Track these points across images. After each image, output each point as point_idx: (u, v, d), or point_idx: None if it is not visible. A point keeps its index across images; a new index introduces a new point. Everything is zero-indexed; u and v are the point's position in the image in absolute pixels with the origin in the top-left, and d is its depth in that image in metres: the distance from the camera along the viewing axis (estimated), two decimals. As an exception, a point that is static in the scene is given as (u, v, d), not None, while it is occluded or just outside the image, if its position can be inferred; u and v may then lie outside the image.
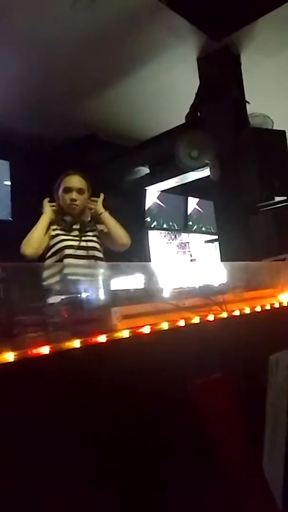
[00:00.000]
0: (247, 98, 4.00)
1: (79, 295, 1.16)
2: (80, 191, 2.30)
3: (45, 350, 0.86)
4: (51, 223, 2.28)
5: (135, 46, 3.84)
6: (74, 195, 2.27)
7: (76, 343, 0.91)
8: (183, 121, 4.12)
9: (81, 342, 0.92)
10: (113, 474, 0.87)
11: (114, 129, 5.17)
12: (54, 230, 2.25)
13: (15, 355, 0.81)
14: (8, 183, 5.22)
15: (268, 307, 1.58)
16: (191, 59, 4.04)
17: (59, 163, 5.38)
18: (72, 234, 2.26)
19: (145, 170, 4.76)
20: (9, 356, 0.81)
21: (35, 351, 0.85)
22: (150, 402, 0.97)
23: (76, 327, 1.04)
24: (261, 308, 1.54)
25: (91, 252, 2.24)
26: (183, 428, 1.03)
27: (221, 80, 3.99)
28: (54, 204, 2.32)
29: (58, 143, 5.24)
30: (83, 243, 2.25)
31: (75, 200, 2.27)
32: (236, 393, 1.18)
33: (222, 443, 1.08)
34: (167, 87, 4.42)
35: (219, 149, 3.80)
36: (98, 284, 1.22)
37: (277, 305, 1.65)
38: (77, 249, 2.20)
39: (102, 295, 1.18)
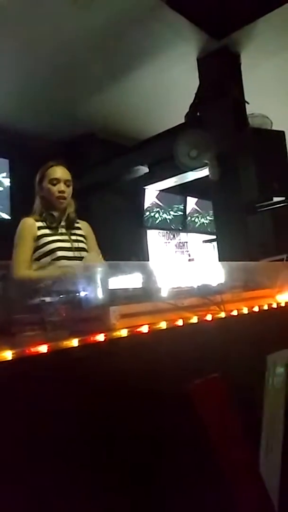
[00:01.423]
0: (246, 98, 4.01)
1: (76, 295, 1.15)
2: (67, 182, 2.12)
3: (42, 349, 0.86)
4: (36, 220, 2.08)
5: (135, 44, 3.84)
6: (62, 186, 2.10)
7: (74, 342, 0.91)
8: (183, 120, 4.12)
9: (78, 341, 0.91)
10: (110, 473, 0.87)
11: (113, 128, 5.17)
12: (40, 228, 2.05)
13: (13, 354, 0.81)
14: (8, 180, 5.21)
15: (265, 307, 1.58)
16: (191, 59, 4.05)
17: (59, 162, 5.39)
18: (59, 232, 2.09)
19: (144, 169, 4.76)
20: (7, 355, 0.81)
21: (32, 349, 0.85)
22: (147, 401, 0.97)
23: (75, 326, 1.04)
24: (259, 308, 1.54)
25: (82, 253, 2.10)
26: (181, 428, 1.03)
27: (221, 80, 4.00)
28: (33, 216, 2.11)
29: (57, 141, 5.23)
30: (75, 244, 2.10)
31: (64, 192, 2.10)
32: (234, 393, 1.18)
33: (219, 443, 1.08)
34: (167, 86, 4.42)
35: (218, 149, 3.80)
36: (95, 284, 1.22)
37: (274, 305, 1.65)
38: (69, 250, 2.06)
39: (98, 295, 1.18)
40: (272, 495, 1.30)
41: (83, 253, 2.10)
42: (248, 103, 3.99)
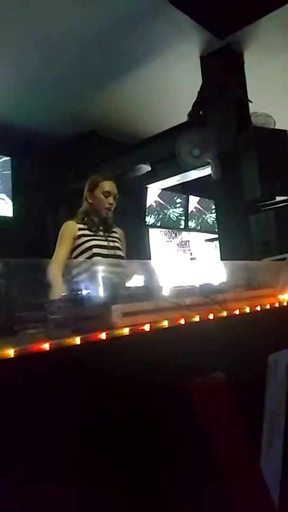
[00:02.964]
0: (249, 97, 4.00)
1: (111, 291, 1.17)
2: (116, 197, 2.37)
3: (44, 346, 0.86)
4: (77, 222, 2.31)
5: (138, 43, 3.84)
6: (111, 199, 2.34)
7: (76, 340, 0.91)
8: (186, 119, 4.11)
9: (79, 339, 0.91)
10: (110, 471, 0.87)
11: (116, 126, 5.17)
12: (80, 230, 2.28)
13: (14, 351, 0.81)
14: (10, 178, 5.22)
15: (267, 306, 1.58)
16: (194, 57, 4.04)
17: (61, 160, 5.40)
18: (98, 234, 2.31)
19: (147, 167, 4.76)
20: (9, 352, 0.81)
21: (34, 347, 0.85)
22: (149, 400, 0.97)
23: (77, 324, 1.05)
24: (261, 307, 1.54)
25: (117, 252, 2.31)
26: (182, 426, 1.04)
27: (224, 79, 3.99)
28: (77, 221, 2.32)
29: (60, 139, 5.23)
30: (110, 243, 2.32)
31: (112, 205, 2.34)
32: (235, 392, 1.18)
33: (220, 441, 1.09)
34: (169, 84, 4.41)
35: (220, 148, 3.79)
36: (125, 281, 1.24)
37: (276, 305, 1.65)
38: (104, 248, 2.27)
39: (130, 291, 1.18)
40: (273, 492, 1.30)
41: (118, 252, 2.32)
42: (251, 102, 3.99)
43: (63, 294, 1.53)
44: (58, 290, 1.95)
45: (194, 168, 4.15)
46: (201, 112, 4.06)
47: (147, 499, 0.93)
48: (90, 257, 2.21)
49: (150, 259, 5.87)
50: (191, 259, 6.41)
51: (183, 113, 4.10)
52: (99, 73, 4.23)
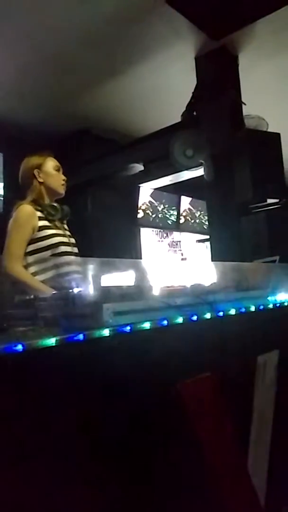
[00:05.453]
0: (243, 99, 4.02)
1: (73, 291, 1.15)
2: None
3: (19, 347, 0.81)
4: (35, 207, 1.97)
5: (133, 42, 3.83)
6: (63, 176, 2.08)
7: (57, 341, 0.87)
8: (179, 119, 4.12)
9: (62, 340, 0.88)
10: (99, 473, 0.87)
11: (109, 125, 5.15)
12: (40, 219, 1.94)
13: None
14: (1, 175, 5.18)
15: (256, 308, 1.59)
16: (189, 58, 4.04)
17: (53, 157, 5.36)
18: (56, 225, 2.00)
19: (139, 167, 4.76)
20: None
21: (13, 347, 0.81)
22: (138, 400, 0.97)
23: (68, 323, 1.04)
24: (250, 309, 1.55)
25: (75, 249, 2.05)
26: (171, 427, 1.04)
27: (218, 80, 4.00)
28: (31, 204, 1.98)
29: (52, 136, 5.20)
30: (72, 240, 2.07)
31: (65, 181, 2.08)
32: (224, 392, 1.19)
33: (209, 441, 1.09)
34: (164, 84, 4.41)
35: (214, 149, 3.80)
36: (91, 281, 1.21)
37: (265, 307, 1.66)
38: (68, 245, 2.01)
39: (94, 291, 1.17)
40: (259, 490, 1.31)
41: (75, 249, 2.06)
42: (244, 104, 4.00)
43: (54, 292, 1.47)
44: (41, 287, 1.75)
45: (187, 169, 4.16)
46: (194, 113, 4.07)
47: (135, 497, 0.93)
48: (56, 256, 1.90)
49: (141, 258, 5.87)
50: (182, 259, 6.42)
51: (177, 113, 4.10)
52: (94, 72, 4.22)
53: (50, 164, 2.08)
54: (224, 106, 3.97)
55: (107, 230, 5.24)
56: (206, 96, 3.99)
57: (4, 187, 5.17)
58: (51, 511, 0.79)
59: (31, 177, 2.04)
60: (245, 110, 4.02)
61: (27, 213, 1.92)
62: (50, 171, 2.06)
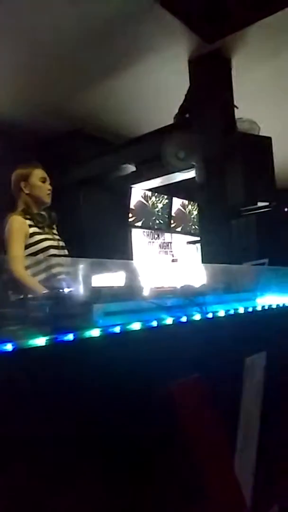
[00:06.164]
0: (235, 103, 4.05)
1: (64, 292, 1.16)
2: (50, 184, 2.30)
3: (9, 347, 0.81)
4: (25, 217, 2.19)
5: (127, 43, 3.84)
6: (49, 185, 2.28)
7: (47, 341, 0.87)
8: (172, 121, 4.14)
9: (53, 340, 0.88)
10: (89, 474, 0.88)
11: (102, 125, 5.15)
12: (30, 226, 2.17)
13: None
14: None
15: (245, 310, 1.61)
16: (182, 60, 4.06)
17: (45, 156, 5.34)
18: (46, 231, 2.22)
19: (132, 168, 4.77)
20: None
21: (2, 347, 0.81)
22: (127, 402, 0.98)
23: (58, 322, 1.04)
24: (238, 310, 1.56)
25: (65, 251, 2.25)
26: (161, 427, 1.05)
27: (211, 83, 4.03)
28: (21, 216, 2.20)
29: (44, 135, 5.19)
30: (61, 243, 2.26)
31: (51, 191, 2.28)
32: (213, 393, 1.20)
33: (197, 442, 1.10)
34: (157, 86, 4.43)
35: (205, 151, 3.83)
36: (81, 281, 1.23)
37: (254, 309, 1.68)
38: (56, 248, 2.20)
39: (84, 292, 1.18)
40: (245, 490, 1.33)
41: (65, 251, 2.25)
42: (237, 107, 4.04)
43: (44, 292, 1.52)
44: (38, 288, 1.92)
45: (179, 171, 4.18)
46: (187, 115, 4.09)
47: (127, 500, 0.94)
48: (47, 259, 2.13)
49: (132, 259, 5.88)
50: (173, 260, 6.44)
51: (169, 115, 4.12)
52: (87, 72, 4.22)
53: (36, 175, 2.25)
54: (216, 109, 4.00)
55: (98, 230, 5.24)
56: (199, 98, 4.01)
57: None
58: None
59: (19, 189, 2.24)
60: (237, 114, 4.05)
61: (18, 222, 2.15)
62: (36, 183, 2.24)
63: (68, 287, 1.23)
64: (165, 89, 4.38)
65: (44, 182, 2.26)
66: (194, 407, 1.14)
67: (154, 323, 1.17)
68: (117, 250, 5.48)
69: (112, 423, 0.94)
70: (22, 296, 1.67)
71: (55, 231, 2.29)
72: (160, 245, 6.52)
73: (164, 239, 6.58)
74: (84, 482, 0.88)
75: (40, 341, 0.87)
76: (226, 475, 1.17)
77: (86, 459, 0.89)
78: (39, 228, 2.18)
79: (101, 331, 1.00)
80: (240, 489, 1.18)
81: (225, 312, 1.48)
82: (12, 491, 0.76)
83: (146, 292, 1.42)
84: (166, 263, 6.36)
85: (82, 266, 1.28)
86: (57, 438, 0.83)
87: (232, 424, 1.38)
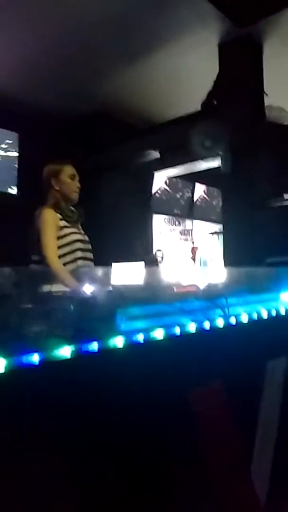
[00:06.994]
0: (265, 90, 3.93)
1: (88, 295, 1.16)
2: (79, 181, 2.37)
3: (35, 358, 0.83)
4: (56, 210, 2.27)
5: (156, 26, 3.74)
6: (78, 183, 2.33)
7: (72, 352, 0.88)
8: (199, 108, 4.05)
9: (78, 350, 0.89)
10: (107, 479, 0.89)
11: (127, 109, 5.08)
12: (60, 220, 2.25)
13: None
14: (16, 154, 5.16)
15: (266, 313, 1.58)
16: (212, 45, 3.95)
17: (70, 139, 5.33)
18: (74, 225, 2.30)
19: (156, 154, 4.70)
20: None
21: (25, 358, 0.82)
22: (149, 410, 0.99)
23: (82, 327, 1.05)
24: (260, 315, 1.54)
25: (90, 245, 2.33)
26: (182, 435, 1.05)
27: (241, 69, 3.90)
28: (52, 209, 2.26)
29: (70, 118, 5.15)
30: (86, 237, 2.34)
31: (79, 188, 2.34)
32: (234, 401, 1.20)
33: (215, 449, 1.11)
34: (185, 71, 4.32)
35: (233, 141, 3.74)
36: (104, 282, 1.23)
37: (277, 312, 1.66)
38: (82, 242, 2.28)
39: (108, 295, 1.18)
40: (261, 496, 1.33)
41: (89, 245, 2.34)
42: (267, 94, 3.91)
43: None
44: (67, 277, 2.01)
45: (204, 159, 4.11)
46: (215, 102, 3.99)
47: (144, 508, 0.95)
48: (73, 251, 2.21)
49: (152, 245, 5.86)
50: (193, 248, 6.39)
51: (196, 101, 4.02)
52: (115, 55, 4.14)
53: (66, 172, 2.30)
54: (245, 96, 3.89)
55: (120, 216, 5.23)
56: (228, 85, 3.90)
57: (18, 168, 5.15)
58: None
59: (49, 185, 2.30)
60: (267, 101, 3.93)
61: (51, 214, 2.23)
62: (65, 180, 2.30)
63: (91, 281, 1.24)
64: (193, 74, 4.28)
65: (73, 179, 2.31)
66: (214, 415, 1.14)
67: (177, 330, 1.17)
68: (138, 236, 5.47)
69: (135, 431, 0.95)
70: (50, 289, 1.73)
71: (80, 226, 2.37)
72: (180, 232, 6.47)
73: (185, 226, 6.53)
74: (110, 491, 0.90)
75: (65, 351, 0.88)
76: (242, 483, 1.17)
77: (113, 470, 0.90)
78: (67, 222, 2.27)
79: (124, 340, 1.00)
80: (258, 499, 1.19)
81: (248, 316, 1.46)
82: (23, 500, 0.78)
83: (168, 294, 1.42)
84: (186, 250, 6.33)
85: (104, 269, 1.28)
86: (85, 449, 0.85)
87: (252, 429, 1.38)
